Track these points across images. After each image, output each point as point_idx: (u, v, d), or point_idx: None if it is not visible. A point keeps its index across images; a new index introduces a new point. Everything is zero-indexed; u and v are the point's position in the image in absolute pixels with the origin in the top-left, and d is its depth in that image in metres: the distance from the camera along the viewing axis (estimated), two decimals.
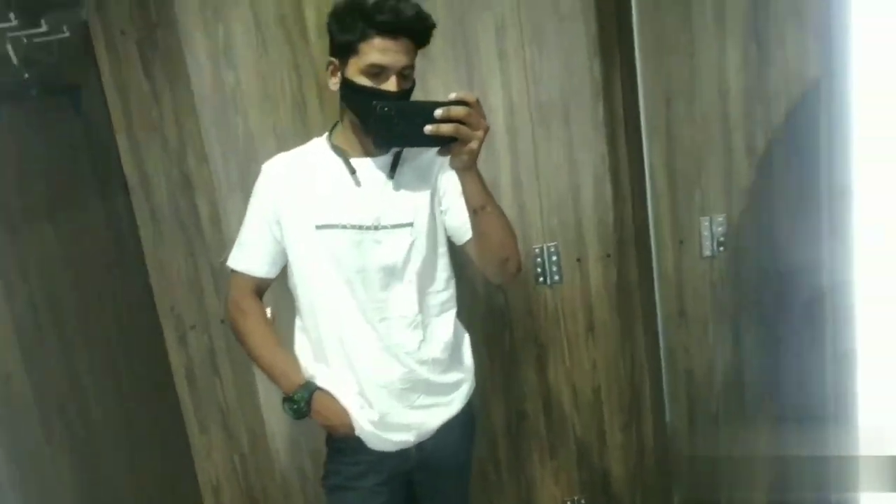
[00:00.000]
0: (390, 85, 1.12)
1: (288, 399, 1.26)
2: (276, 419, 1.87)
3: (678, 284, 1.71)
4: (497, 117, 1.69)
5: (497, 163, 1.72)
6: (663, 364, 1.67)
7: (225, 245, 1.77)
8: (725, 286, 1.71)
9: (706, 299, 1.72)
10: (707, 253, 1.69)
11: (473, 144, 0.98)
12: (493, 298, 1.80)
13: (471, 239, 1.20)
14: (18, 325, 1.16)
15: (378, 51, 1.10)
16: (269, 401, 1.86)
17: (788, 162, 1.61)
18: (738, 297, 1.71)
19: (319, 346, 1.27)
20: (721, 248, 1.68)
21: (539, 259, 1.76)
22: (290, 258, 1.26)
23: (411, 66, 1.15)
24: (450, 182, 1.22)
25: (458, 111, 0.95)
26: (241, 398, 1.87)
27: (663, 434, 1.77)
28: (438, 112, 0.95)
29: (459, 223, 1.21)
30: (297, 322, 1.32)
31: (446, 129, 0.96)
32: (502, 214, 1.13)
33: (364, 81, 1.12)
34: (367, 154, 1.22)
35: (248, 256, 1.28)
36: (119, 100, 1.71)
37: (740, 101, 1.59)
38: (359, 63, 1.12)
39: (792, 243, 1.65)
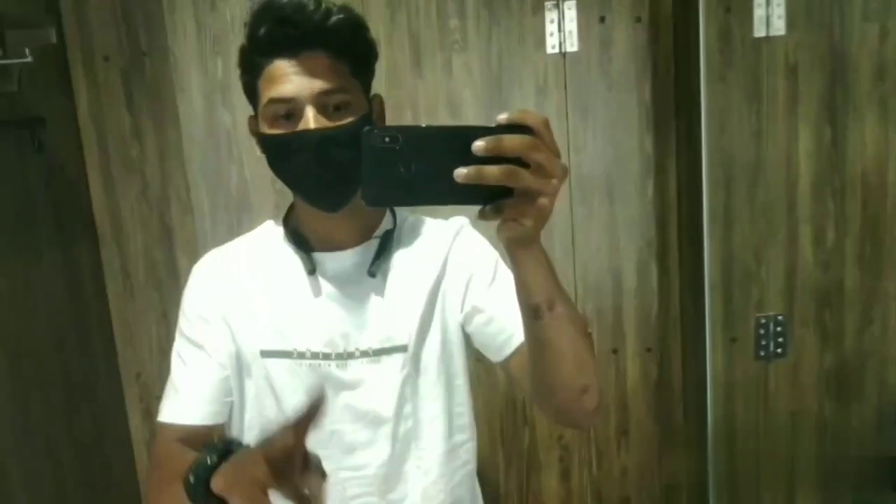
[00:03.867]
0: (305, 122, 0.82)
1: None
2: None
3: (728, 388, 1.68)
4: None
5: None
6: (710, 481, 1.64)
7: None
8: (781, 393, 1.69)
9: (759, 407, 1.70)
10: (762, 354, 1.68)
11: (542, 201, 0.61)
12: (512, 390, 1.73)
13: (517, 353, 0.89)
14: None
15: (275, 80, 0.83)
16: None
17: (861, 261, 1.60)
18: (796, 407, 1.68)
19: None
20: (779, 350, 1.67)
21: None
22: (236, 392, 0.96)
23: (341, 91, 0.84)
24: (475, 262, 0.94)
25: (515, 142, 0.58)
26: None
27: None
28: (480, 144, 0.58)
29: (498, 328, 0.91)
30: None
31: (495, 173, 0.58)
32: (578, 316, 0.78)
33: (277, 130, 0.85)
34: (333, 245, 0.93)
35: (179, 402, 0.93)
36: (95, 134, 1.65)
37: (810, 191, 1.56)
38: (263, 109, 0.86)
39: (859, 352, 1.65)
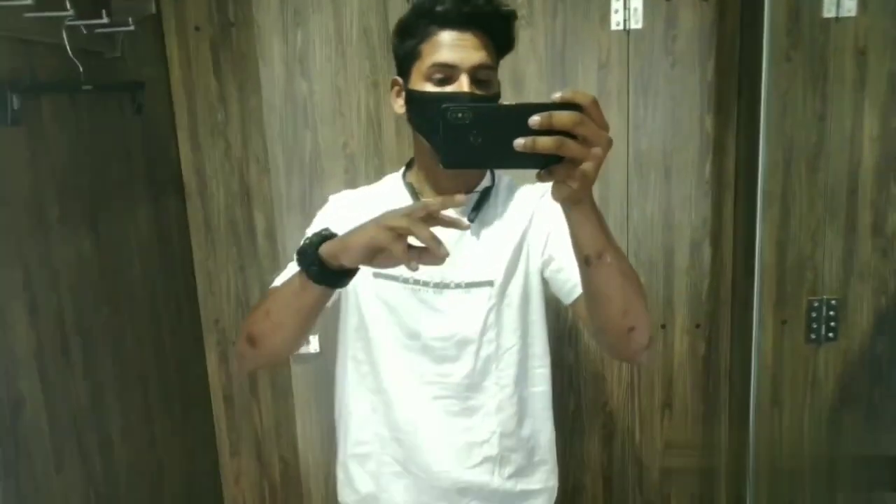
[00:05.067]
0: (460, 86, 1.00)
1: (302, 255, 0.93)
2: (311, 452, 1.94)
3: (775, 369, 1.71)
4: None
5: None
6: (750, 459, 1.68)
7: (279, 262, 1.88)
8: (830, 378, 1.71)
9: (806, 390, 1.72)
10: (813, 338, 1.70)
11: (587, 166, 0.73)
12: (563, 354, 1.82)
13: (581, 298, 1.00)
14: (40, 344, 1.20)
15: (441, 47, 1.01)
16: (306, 430, 1.93)
17: None
18: (844, 392, 1.69)
19: (366, 416, 1.19)
20: (830, 335, 1.68)
21: None
22: (345, 302, 1.17)
23: (489, 68, 1.03)
24: (554, 220, 1.06)
25: (564, 118, 0.72)
26: (278, 425, 1.96)
27: None
28: (535, 119, 0.72)
29: (568, 276, 1.06)
30: (349, 381, 1.21)
31: (546, 143, 0.71)
32: (627, 265, 0.90)
33: (428, 88, 1.03)
34: (442, 195, 1.05)
35: (287, 275, 1.09)
36: (185, 100, 1.79)
37: (872, 176, 1.56)
38: (421, 67, 1.03)
39: None
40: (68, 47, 1.27)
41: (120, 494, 1.47)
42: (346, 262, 0.88)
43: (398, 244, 0.83)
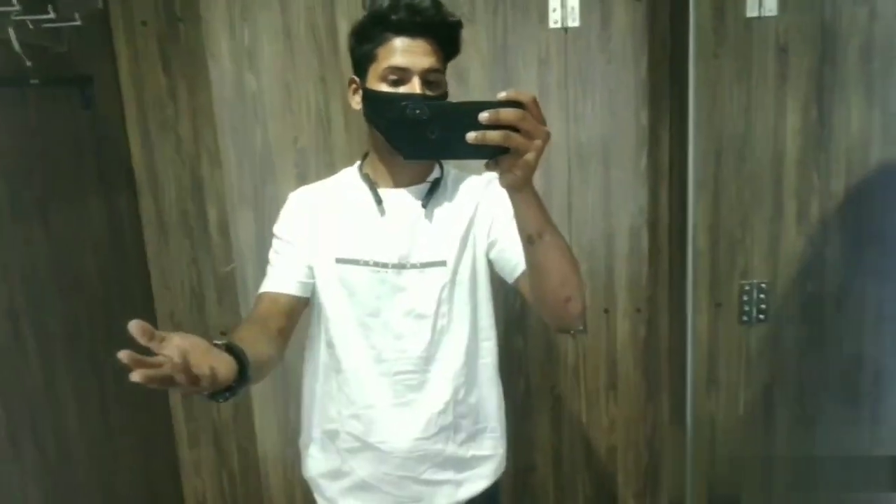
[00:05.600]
0: (412, 88, 1.12)
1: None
2: (269, 440, 1.98)
3: (711, 349, 1.79)
4: None
5: None
6: (688, 434, 1.78)
7: (231, 255, 1.91)
8: (762, 356, 1.81)
9: (740, 368, 1.82)
10: (745, 319, 1.80)
11: (529, 156, 0.85)
12: (512, 341, 1.89)
13: (523, 275, 1.13)
14: None
15: (395, 52, 1.12)
16: (264, 420, 1.97)
17: (841, 236, 1.67)
18: (774, 370, 1.79)
19: (327, 395, 1.28)
20: (761, 317, 1.78)
21: None
22: (318, 289, 1.25)
23: (438, 71, 1.15)
24: (498, 206, 1.18)
25: (509, 114, 0.83)
26: (237, 415, 1.99)
27: None
28: (484, 115, 0.83)
29: (510, 256, 1.17)
30: (309, 367, 1.32)
31: (494, 136, 0.83)
32: (564, 243, 1.02)
33: (383, 88, 1.13)
34: (397, 184, 1.22)
35: (271, 278, 1.24)
36: (134, 94, 1.81)
37: (795, 166, 1.64)
38: (377, 69, 1.14)
39: (838, 320, 1.74)
40: (15, 42, 1.29)
41: (77, 482, 1.50)
42: None
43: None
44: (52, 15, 1.38)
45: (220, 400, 0.93)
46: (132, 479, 1.77)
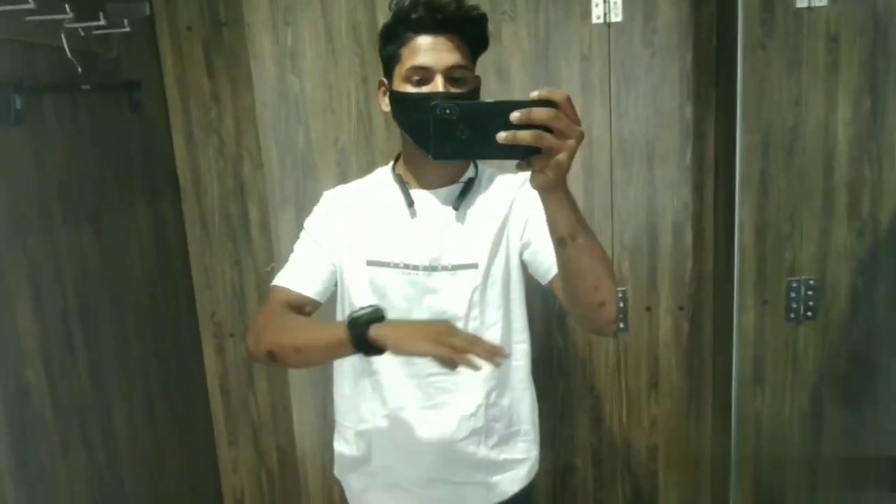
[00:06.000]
0: (435, 87, 1.10)
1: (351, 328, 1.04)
2: (308, 439, 1.99)
3: (757, 348, 1.76)
4: None
5: None
6: (733, 433, 1.75)
7: (272, 255, 1.92)
8: (810, 355, 1.77)
9: (787, 367, 1.78)
10: (793, 317, 1.76)
11: (562, 157, 0.82)
12: (552, 339, 1.88)
13: (557, 277, 1.09)
14: (45, 334, 1.27)
15: (418, 51, 1.11)
16: (303, 419, 1.98)
17: (892, 232, 1.63)
18: (822, 369, 1.74)
19: (359, 395, 1.27)
20: (809, 314, 1.74)
21: None
22: (340, 292, 1.26)
23: (463, 67, 1.12)
24: (532, 206, 1.15)
25: (541, 114, 0.81)
26: (275, 414, 2.01)
27: None
28: (515, 115, 0.81)
29: (544, 258, 1.14)
30: (342, 367, 1.30)
31: (525, 136, 0.80)
32: (598, 246, 0.99)
33: (408, 89, 1.12)
34: (429, 185, 1.21)
35: (293, 274, 1.24)
36: (179, 99, 1.84)
37: (846, 159, 1.61)
38: (401, 70, 1.13)
39: (889, 319, 1.70)
40: (67, 49, 1.32)
41: (123, 480, 1.52)
42: (393, 353, 1.02)
43: (447, 352, 0.96)
44: (102, 22, 1.41)
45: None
46: (174, 476, 1.79)
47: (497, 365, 0.97)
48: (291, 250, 1.94)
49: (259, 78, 1.83)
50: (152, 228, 1.76)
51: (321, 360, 1.26)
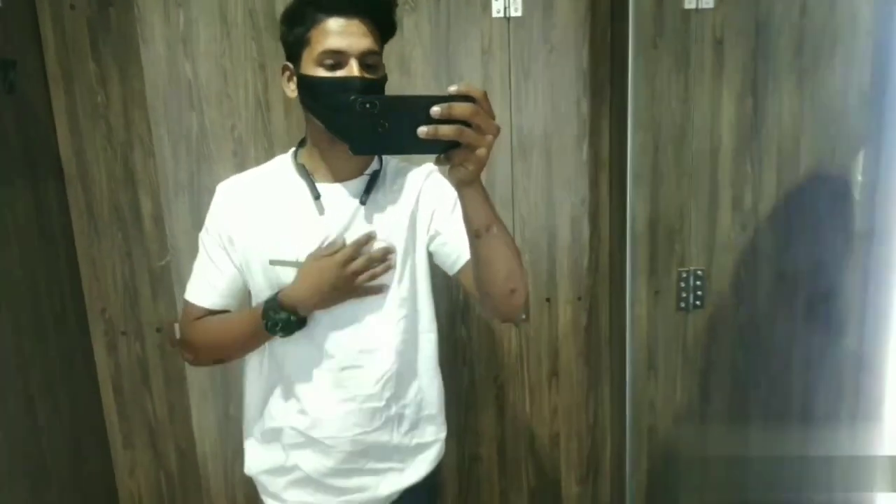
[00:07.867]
0: (350, 71, 1.06)
1: (267, 317, 1.15)
2: (209, 439, 1.92)
3: (650, 336, 1.84)
4: None
5: None
6: (628, 420, 1.81)
7: (167, 247, 1.84)
8: (699, 343, 1.86)
9: (678, 354, 1.86)
10: (682, 306, 1.84)
11: (481, 151, 0.84)
12: (456, 331, 1.89)
13: (466, 267, 1.14)
14: None
15: (330, 34, 1.06)
16: (202, 419, 1.91)
17: (772, 224, 1.72)
18: (710, 356, 1.84)
19: (270, 392, 1.26)
20: (698, 303, 1.83)
21: None
22: (251, 290, 1.23)
23: (375, 53, 1.10)
24: (439, 198, 1.18)
25: (462, 109, 0.82)
26: (172, 414, 1.93)
27: (621, 492, 1.92)
28: (436, 110, 0.81)
29: (451, 248, 1.17)
30: (251, 364, 1.28)
31: (446, 131, 0.81)
32: (509, 235, 1.03)
33: (320, 73, 1.08)
34: (336, 177, 1.17)
35: (201, 288, 1.23)
36: (62, 81, 1.73)
37: (730, 157, 1.68)
38: (312, 54, 1.08)
39: (771, 308, 1.80)
40: None
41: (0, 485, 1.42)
42: (318, 310, 1.15)
43: (358, 283, 1.13)
44: None
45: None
46: (62, 481, 1.68)
47: (390, 267, 1.16)
48: (186, 242, 1.86)
49: (149, 61, 1.73)
50: (33, 215, 1.64)
51: (243, 352, 1.26)
